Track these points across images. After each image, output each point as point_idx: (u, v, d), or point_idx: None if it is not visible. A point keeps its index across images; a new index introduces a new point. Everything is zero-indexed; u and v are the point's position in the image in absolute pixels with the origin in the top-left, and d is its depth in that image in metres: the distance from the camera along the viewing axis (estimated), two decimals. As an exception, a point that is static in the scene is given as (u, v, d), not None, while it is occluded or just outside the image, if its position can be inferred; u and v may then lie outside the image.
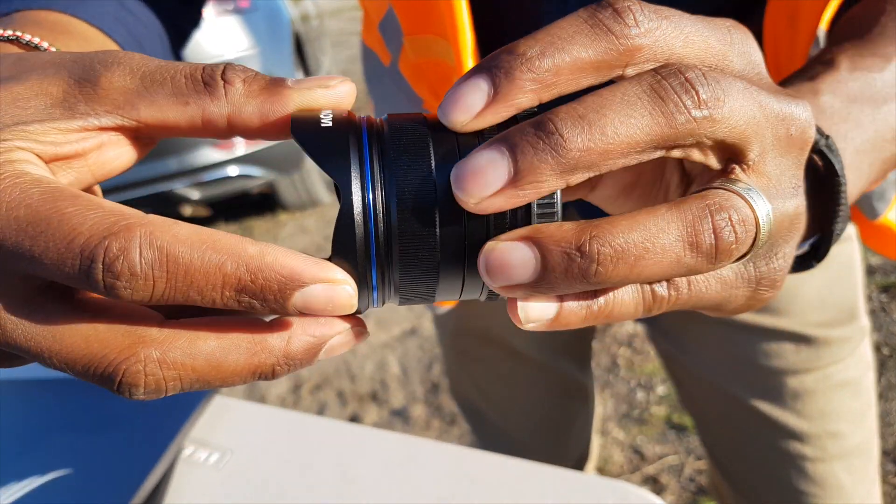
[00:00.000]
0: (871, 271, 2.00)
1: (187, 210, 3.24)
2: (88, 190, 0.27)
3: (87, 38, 0.38)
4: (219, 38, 2.60)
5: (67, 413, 0.59)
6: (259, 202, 3.41)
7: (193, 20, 0.55)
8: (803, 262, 0.31)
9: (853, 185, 0.31)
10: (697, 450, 1.56)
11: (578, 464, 0.94)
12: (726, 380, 0.67)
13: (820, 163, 0.30)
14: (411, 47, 0.52)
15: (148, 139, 0.26)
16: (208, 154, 2.61)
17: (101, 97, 0.24)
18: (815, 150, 0.29)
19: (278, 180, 2.99)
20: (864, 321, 0.65)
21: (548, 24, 0.24)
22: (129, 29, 0.44)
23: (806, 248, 0.31)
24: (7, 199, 0.21)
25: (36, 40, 0.32)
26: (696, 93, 0.22)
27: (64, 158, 0.24)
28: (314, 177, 3.13)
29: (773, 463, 0.67)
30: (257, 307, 0.22)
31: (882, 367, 1.70)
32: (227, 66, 0.24)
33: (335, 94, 0.24)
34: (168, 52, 0.50)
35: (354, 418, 1.91)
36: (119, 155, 0.26)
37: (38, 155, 0.23)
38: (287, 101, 0.24)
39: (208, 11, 2.58)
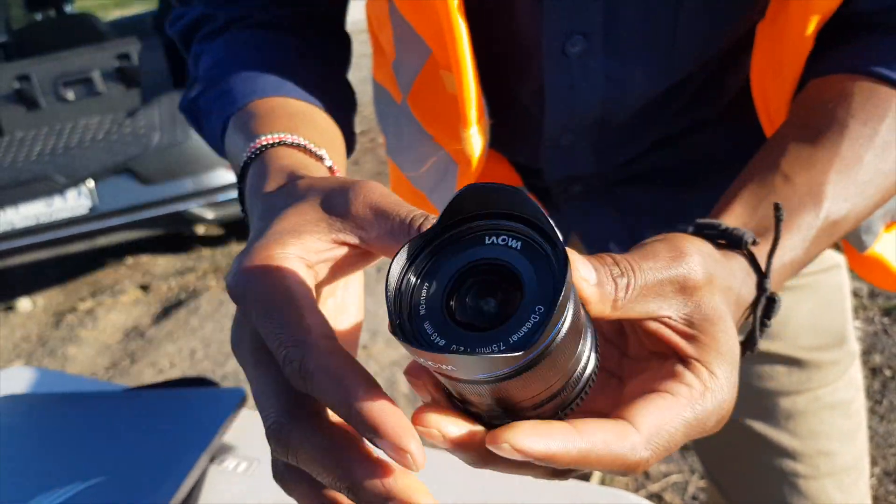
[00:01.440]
0: (873, 294, 2.03)
1: (200, 229, 3.31)
2: (324, 284, 0.33)
3: (323, 127, 0.47)
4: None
5: (111, 424, 0.63)
6: (271, 220, 3.46)
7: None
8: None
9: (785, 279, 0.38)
10: (701, 468, 1.58)
11: (583, 478, 0.97)
12: None
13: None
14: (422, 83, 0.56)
15: (370, 255, 0.32)
16: (223, 175, 2.67)
17: (349, 221, 0.31)
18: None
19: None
20: (854, 346, 0.69)
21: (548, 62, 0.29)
22: (334, 98, 0.52)
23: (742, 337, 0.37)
24: (273, 282, 0.29)
25: (311, 146, 0.40)
26: None
27: (319, 263, 0.31)
28: (325, 196, 3.18)
29: (767, 480, 0.71)
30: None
31: (884, 388, 1.72)
32: (426, 219, 0.29)
33: None
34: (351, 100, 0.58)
35: (364, 435, 1.94)
36: (351, 262, 0.32)
37: (303, 258, 0.30)
38: None
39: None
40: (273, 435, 0.27)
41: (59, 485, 0.56)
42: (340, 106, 0.52)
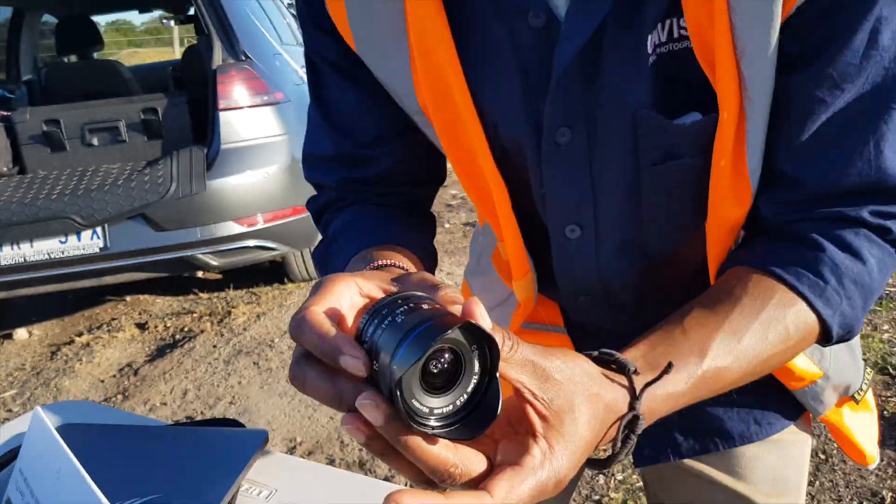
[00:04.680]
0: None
1: (199, 273, 3.46)
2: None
3: (409, 259, 0.61)
4: (256, 125, 2.89)
5: (155, 454, 0.79)
6: (268, 269, 3.63)
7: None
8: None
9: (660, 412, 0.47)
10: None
11: None
12: None
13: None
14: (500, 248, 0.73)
15: None
16: (229, 227, 2.84)
17: (375, 280, 0.45)
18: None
19: (290, 252, 3.22)
20: (802, 499, 0.80)
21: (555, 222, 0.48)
22: (425, 253, 0.67)
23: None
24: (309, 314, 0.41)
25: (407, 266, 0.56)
26: None
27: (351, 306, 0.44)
28: (323, 253, 3.36)
29: None
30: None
31: (817, 470, 1.88)
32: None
33: None
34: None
35: (343, 484, 2.06)
36: None
37: (339, 303, 0.43)
38: None
39: (245, 100, 2.87)
40: (291, 330, 0.40)
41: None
42: (428, 258, 0.68)
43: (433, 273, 0.70)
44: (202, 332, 3.11)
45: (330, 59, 0.66)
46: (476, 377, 0.38)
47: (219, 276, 3.69)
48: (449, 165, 0.72)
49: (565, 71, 0.53)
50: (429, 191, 0.76)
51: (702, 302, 0.53)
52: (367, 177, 0.70)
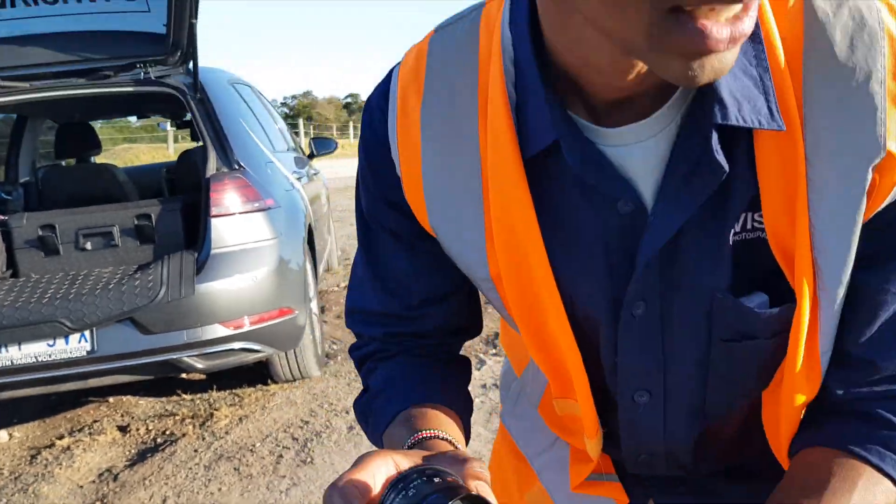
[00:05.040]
0: None
1: (183, 374, 3.47)
2: None
3: (457, 426, 0.64)
4: (247, 230, 3.00)
5: None
6: (251, 369, 3.64)
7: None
8: None
9: None
10: None
11: None
12: None
13: None
14: (556, 405, 0.71)
15: None
16: (217, 329, 2.90)
17: (410, 456, 0.47)
18: None
19: (274, 354, 3.26)
20: None
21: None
22: (463, 407, 0.71)
23: None
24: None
25: (453, 440, 0.59)
26: None
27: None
28: (308, 353, 3.40)
29: None
30: None
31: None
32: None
33: None
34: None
35: None
36: None
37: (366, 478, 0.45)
38: None
39: (237, 207, 3.00)
40: (325, 498, 0.43)
41: None
42: (465, 411, 0.71)
43: (469, 420, 0.72)
44: (184, 435, 3.10)
45: (390, 227, 0.67)
46: None
47: (202, 377, 3.69)
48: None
49: (648, 261, 0.55)
50: (468, 339, 0.78)
51: (788, 486, 0.55)
52: (412, 332, 0.72)
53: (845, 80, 0.49)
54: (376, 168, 0.64)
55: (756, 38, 0.50)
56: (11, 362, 2.80)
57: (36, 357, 2.81)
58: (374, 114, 0.64)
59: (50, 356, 2.82)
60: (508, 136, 0.55)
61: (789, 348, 0.55)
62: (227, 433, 3.08)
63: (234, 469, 2.76)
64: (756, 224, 0.54)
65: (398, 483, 0.44)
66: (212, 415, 3.27)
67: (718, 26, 0.39)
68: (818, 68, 0.49)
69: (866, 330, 0.55)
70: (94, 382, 2.93)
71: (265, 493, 2.55)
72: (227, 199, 2.99)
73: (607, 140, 0.54)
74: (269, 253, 3.05)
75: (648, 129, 0.53)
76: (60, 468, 2.92)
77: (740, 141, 0.51)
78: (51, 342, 2.82)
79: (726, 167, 0.50)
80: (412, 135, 0.60)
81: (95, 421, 3.38)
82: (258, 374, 3.60)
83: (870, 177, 0.49)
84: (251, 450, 2.89)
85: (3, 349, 2.80)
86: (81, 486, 2.78)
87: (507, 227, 0.58)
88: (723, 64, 0.41)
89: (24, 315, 2.78)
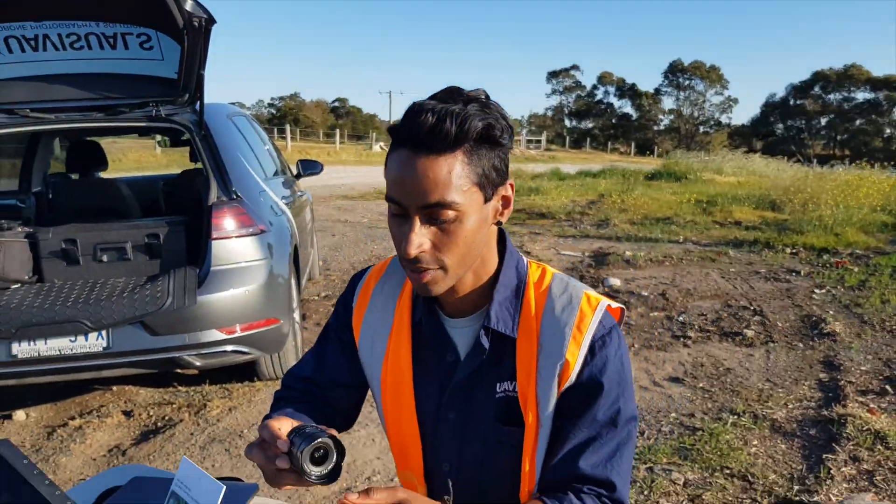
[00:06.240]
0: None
1: (179, 370, 4.03)
2: None
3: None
4: (242, 251, 3.58)
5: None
6: (240, 368, 4.20)
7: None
8: None
9: None
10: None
11: None
12: None
13: None
14: (400, 475, 1.20)
15: None
16: (213, 333, 3.47)
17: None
18: None
19: (261, 356, 3.84)
20: None
21: None
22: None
23: None
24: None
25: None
26: None
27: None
28: (290, 355, 3.98)
29: None
30: None
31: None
32: None
33: None
34: None
35: (293, 548, 2.58)
36: None
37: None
38: None
39: (234, 231, 3.57)
40: (260, 428, 0.95)
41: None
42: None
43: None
44: (181, 421, 3.66)
45: (340, 337, 1.22)
46: (334, 461, 0.89)
47: (195, 372, 4.25)
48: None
49: (454, 388, 1.06)
50: (344, 424, 1.25)
51: None
52: (316, 394, 1.22)
53: (557, 322, 1.03)
54: (345, 306, 1.22)
55: (519, 295, 1.06)
56: (38, 354, 3.35)
57: (59, 350, 3.37)
58: (355, 281, 1.24)
59: (71, 350, 3.37)
60: (407, 314, 1.13)
61: (523, 451, 1.04)
62: (218, 420, 3.65)
63: (225, 450, 3.34)
64: (508, 389, 1.05)
65: (298, 429, 0.91)
66: (205, 405, 3.84)
67: (416, 276, 0.97)
68: (547, 315, 1.04)
69: (559, 450, 1.03)
70: (107, 373, 3.49)
71: (251, 469, 3.13)
72: (226, 224, 3.57)
73: (448, 323, 1.09)
74: (260, 271, 3.63)
75: (467, 322, 1.08)
76: (75, 444, 3.47)
77: (507, 343, 1.05)
78: (73, 338, 3.37)
79: (486, 347, 1.04)
80: (366, 299, 1.19)
81: (102, 406, 3.92)
82: (246, 371, 4.16)
83: (558, 371, 1.01)
84: (240, 435, 3.47)
85: (32, 343, 3.35)
86: (94, 459, 3.34)
87: (396, 358, 1.11)
88: (428, 293, 0.99)
89: (51, 315, 3.33)
